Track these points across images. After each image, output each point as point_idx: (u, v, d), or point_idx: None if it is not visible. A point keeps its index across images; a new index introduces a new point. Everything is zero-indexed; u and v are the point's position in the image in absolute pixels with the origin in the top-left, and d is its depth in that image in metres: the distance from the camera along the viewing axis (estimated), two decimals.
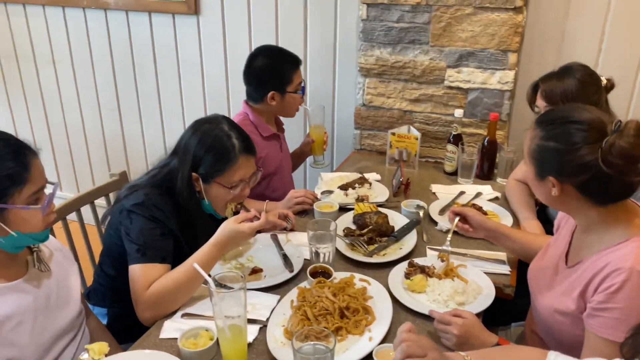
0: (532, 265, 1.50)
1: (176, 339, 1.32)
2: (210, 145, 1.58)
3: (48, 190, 1.26)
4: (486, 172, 2.34)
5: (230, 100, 3.08)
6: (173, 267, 1.52)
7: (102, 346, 1.18)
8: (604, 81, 1.84)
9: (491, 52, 2.32)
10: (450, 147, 2.37)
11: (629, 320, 1.11)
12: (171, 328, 1.40)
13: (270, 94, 2.18)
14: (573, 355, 1.18)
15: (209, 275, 1.18)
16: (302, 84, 2.27)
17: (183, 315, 1.45)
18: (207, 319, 1.40)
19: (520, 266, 1.69)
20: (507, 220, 1.93)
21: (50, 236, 1.42)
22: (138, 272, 1.49)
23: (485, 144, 2.31)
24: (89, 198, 1.99)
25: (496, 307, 1.48)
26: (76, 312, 1.40)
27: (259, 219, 1.53)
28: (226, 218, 1.62)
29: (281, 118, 2.41)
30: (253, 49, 2.32)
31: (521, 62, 2.43)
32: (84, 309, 1.50)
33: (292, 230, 1.88)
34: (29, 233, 1.22)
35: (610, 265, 1.15)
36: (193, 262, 1.41)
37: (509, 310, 1.69)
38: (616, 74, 1.90)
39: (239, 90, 2.47)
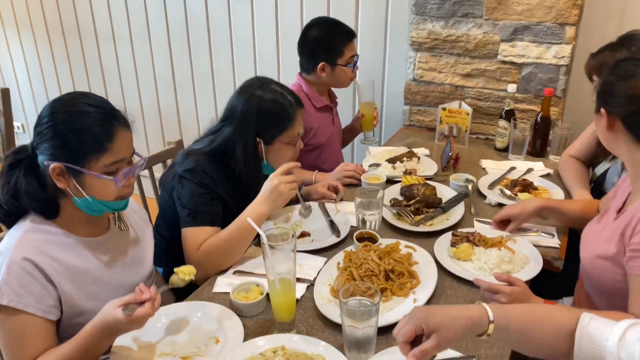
0: (587, 227, 1.50)
1: (228, 293, 1.39)
2: (270, 109, 1.63)
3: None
4: (538, 148, 2.30)
5: (281, 78, 3.13)
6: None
7: (189, 268, 1.24)
8: None
9: (547, 26, 2.25)
10: (502, 122, 2.33)
11: None
12: (223, 283, 1.47)
13: (320, 65, 2.20)
14: (613, 302, 1.25)
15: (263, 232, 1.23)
16: (355, 58, 2.28)
17: (235, 273, 1.52)
18: (257, 276, 1.47)
19: (571, 243, 1.66)
20: (558, 195, 1.90)
21: None
22: (189, 234, 1.57)
23: (538, 120, 2.26)
24: (147, 164, 2.09)
25: (544, 281, 1.47)
26: (149, 272, 1.49)
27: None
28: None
29: (335, 92, 2.44)
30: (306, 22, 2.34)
31: (579, 35, 2.35)
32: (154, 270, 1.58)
33: (341, 200, 1.92)
34: (101, 200, 1.25)
35: None
36: (243, 218, 1.48)
37: (558, 284, 1.67)
38: None
39: (290, 67, 2.51)
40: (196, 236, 1.56)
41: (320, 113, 2.30)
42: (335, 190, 1.92)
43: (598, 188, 1.99)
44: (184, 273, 1.23)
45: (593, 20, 2.34)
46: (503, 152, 2.36)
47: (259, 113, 1.63)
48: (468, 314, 0.94)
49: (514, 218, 1.63)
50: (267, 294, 1.34)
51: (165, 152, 2.17)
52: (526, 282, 1.42)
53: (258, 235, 1.25)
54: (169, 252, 1.77)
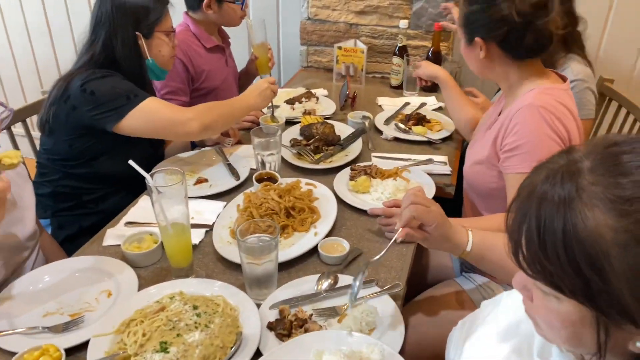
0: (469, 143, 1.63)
1: (119, 245, 1.30)
2: None
3: None
4: (431, 83, 2.35)
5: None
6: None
7: (15, 152, 1.04)
8: None
9: None
10: (395, 59, 2.35)
11: (538, 151, 1.25)
12: (114, 235, 1.38)
13: (206, 1, 2.06)
14: (492, 204, 1.44)
15: (148, 173, 1.14)
16: None
17: (126, 224, 1.42)
18: (150, 226, 1.39)
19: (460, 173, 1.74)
20: (450, 125, 1.97)
21: None
22: (155, 104, 1.52)
23: (430, 55, 2.31)
24: (19, 116, 1.88)
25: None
26: (31, 231, 1.35)
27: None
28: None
29: (227, 31, 2.31)
30: None
31: None
32: (38, 229, 1.44)
33: (238, 143, 1.85)
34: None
35: (515, 108, 1.30)
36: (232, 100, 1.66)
37: (449, 209, 1.75)
38: None
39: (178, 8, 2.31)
40: (164, 102, 1.56)
41: (212, 54, 2.18)
42: (228, 135, 1.85)
43: None
44: (10, 157, 1.07)
45: None
46: (398, 89, 2.40)
47: (131, 5, 1.56)
48: (454, 241, 1.08)
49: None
50: (162, 242, 1.27)
51: (42, 101, 1.95)
52: None
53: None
54: (56, 198, 1.65)
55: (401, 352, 0.98)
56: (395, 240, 1.05)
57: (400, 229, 1.05)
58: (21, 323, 1.10)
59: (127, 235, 1.31)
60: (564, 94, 1.31)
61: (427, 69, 1.89)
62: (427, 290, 1.51)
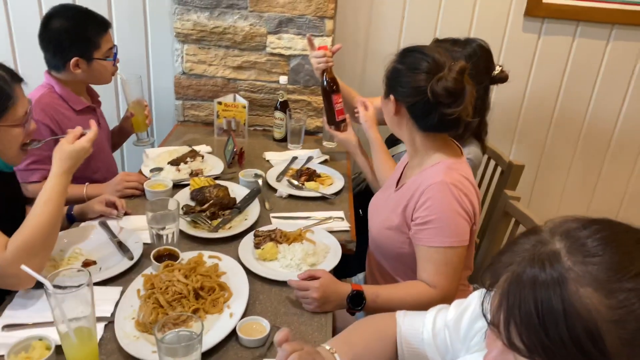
0: (373, 198, 1.69)
1: (2, 357, 1.11)
2: None
3: None
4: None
5: (20, 69, 2.63)
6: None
7: None
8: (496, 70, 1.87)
9: (309, 19, 2.36)
10: (277, 114, 2.38)
11: (450, 226, 1.34)
12: None
13: (73, 61, 1.89)
14: (400, 265, 1.48)
15: (44, 277, 1.00)
16: (115, 49, 2.03)
17: (4, 328, 1.22)
18: (34, 327, 1.20)
19: (358, 226, 1.79)
20: (339, 180, 2.03)
21: None
22: None
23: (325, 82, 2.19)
24: None
25: (343, 262, 1.55)
26: None
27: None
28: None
29: (96, 89, 2.14)
30: (46, 11, 1.99)
31: (337, 28, 2.52)
32: None
33: (125, 215, 1.71)
34: None
35: (425, 182, 1.38)
36: (44, 199, 1.31)
37: (350, 262, 1.80)
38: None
39: (34, 66, 2.09)
40: None
41: (82, 116, 2.00)
42: (115, 206, 1.70)
43: None
44: None
45: (347, 13, 2.54)
46: (282, 142, 2.42)
47: None
48: None
49: None
50: (56, 347, 1.10)
51: None
52: (331, 270, 1.48)
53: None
54: None
55: None
56: None
57: None
58: None
59: (11, 345, 1.12)
60: (466, 167, 1.43)
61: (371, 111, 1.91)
62: None
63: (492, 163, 2.17)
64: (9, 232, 1.29)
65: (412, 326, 1.03)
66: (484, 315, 0.66)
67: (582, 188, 2.94)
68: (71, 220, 1.69)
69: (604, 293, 0.58)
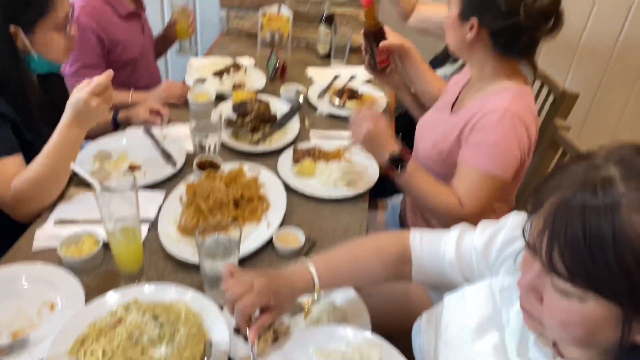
0: (420, 120, 1.63)
1: (54, 249, 1.19)
2: None
3: None
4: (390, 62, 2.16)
5: None
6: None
7: None
8: None
9: None
10: (322, 28, 2.30)
11: (500, 155, 1.30)
12: (45, 237, 1.25)
13: None
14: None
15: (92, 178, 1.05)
16: None
17: (57, 223, 1.30)
18: (85, 224, 1.28)
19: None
20: (381, 101, 1.98)
21: None
22: None
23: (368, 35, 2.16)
24: None
25: (380, 183, 1.56)
26: None
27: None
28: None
29: None
30: None
31: None
32: None
33: (168, 123, 1.74)
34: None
35: (488, 107, 1.32)
36: (52, 150, 1.28)
37: (389, 184, 1.80)
38: None
39: None
40: (2, 171, 1.30)
41: (127, 22, 1.99)
42: (159, 114, 1.72)
43: None
44: None
45: None
46: (326, 58, 2.36)
47: None
48: (297, 286, 0.96)
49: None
50: (104, 243, 1.18)
51: None
52: (367, 190, 1.50)
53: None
54: None
55: None
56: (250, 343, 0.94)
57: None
58: None
59: (63, 238, 1.20)
60: (531, 97, 1.37)
61: (395, 40, 1.67)
62: None
63: (545, 90, 2.07)
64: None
65: (432, 245, 1.03)
66: (524, 237, 0.66)
67: (636, 126, 2.79)
68: (116, 125, 1.74)
69: None
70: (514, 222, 0.93)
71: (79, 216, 1.32)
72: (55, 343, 0.97)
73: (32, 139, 1.41)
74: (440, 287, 1.04)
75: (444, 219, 1.34)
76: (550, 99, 2.01)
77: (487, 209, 1.37)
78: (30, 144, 1.40)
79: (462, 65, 1.91)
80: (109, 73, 1.29)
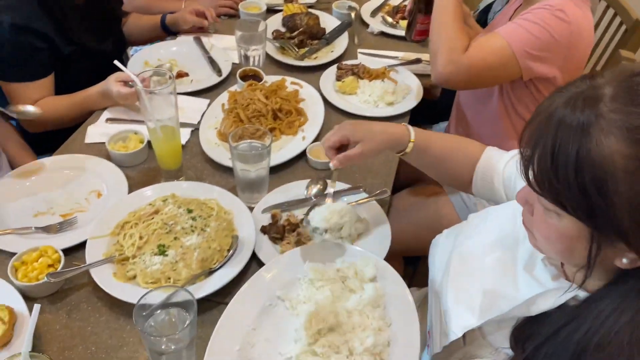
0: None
1: (103, 143, 1.28)
2: None
3: None
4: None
5: None
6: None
7: None
8: None
9: None
10: None
11: (529, 39, 1.20)
12: (96, 133, 1.35)
13: None
14: (483, 120, 1.40)
15: (134, 75, 1.10)
16: None
17: (107, 120, 1.39)
18: (133, 123, 1.36)
19: None
20: None
21: None
22: (12, 90, 1.41)
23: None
24: None
25: (422, 108, 1.53)
26: None
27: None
28: None
29: None
30: None
31: None
32: None
33: (215, 32, 1.75)
34: None
35: (541, 3, 1.23)
36: (77, 102, 1.41)
37: (434, 110, 1.77)
38: None
39: None
40: (26, 93, 1.40)
41: None
42: (205, 17, 1.70)
43: (483, 19, 2.02)
44: None
45: None
46: None
47: None
48: (392, 131, 1.00)
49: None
50: (148, 142, 1.25)
51: None
52: (408, 111, 1.48)
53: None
54: None
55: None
56: (332, 169, 1.00)
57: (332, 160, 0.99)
58: (12, 222, 1.10)
59: (112, 134, 1.28)
60: (589, 12, 1.26)
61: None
62: (406, 189, 1.57)
63: (617, 20, 1.91)
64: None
65: (493, 156, 1.04)
66: (519, 148, 0.66)
67: None
68: (165, 29, 1.76)
69: (628, 142, 0.56)
70: None
71: (128, 117, 1.39)
72: (99, 225, 1.07)
73: (71, 51, 1.45)
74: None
75: (439, 56, 1.27)
76: (622, 30, 1.86)
77: (483, 74, 1.28)
78: (68, 56, 1.45)
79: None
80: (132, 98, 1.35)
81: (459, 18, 1.31)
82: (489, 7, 1.97)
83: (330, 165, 0.99)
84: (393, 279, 0.95)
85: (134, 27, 1.78)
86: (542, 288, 0.74)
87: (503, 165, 1.01)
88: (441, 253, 0.95)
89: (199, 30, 1.73)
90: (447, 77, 1.26)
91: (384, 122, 1.05)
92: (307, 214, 1.11)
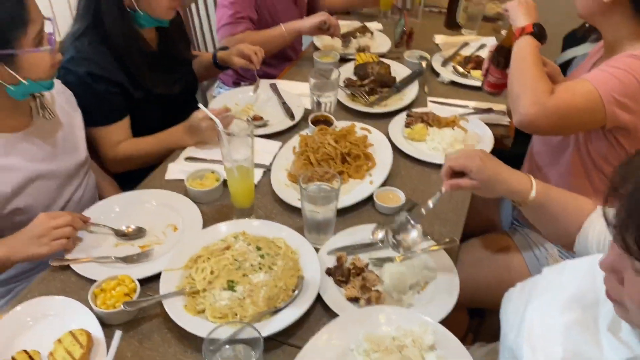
0: None
1: (182, 180, 1.36)
2: None
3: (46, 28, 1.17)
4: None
5: None
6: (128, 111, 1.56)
7: None
8: None
9: None
10: None
11: (617, 85, 1.17)
12: (176, 170, 1.43)
13: None
14: (560, 173, 1.36)
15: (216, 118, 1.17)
16: None
17: (187, 159, 1.47)
18: (210, 162, 1.43)
19: None
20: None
21: None
22: (96, 135, 1.52)
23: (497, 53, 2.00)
24: None
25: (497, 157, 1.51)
26: (83, 159, 1.40)
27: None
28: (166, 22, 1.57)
29: None
30: None
31: None
32: (89, 156, 1.50)
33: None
34: (39, 81, 1.16)
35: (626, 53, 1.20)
36: (160, 140, 1.51)
37: (506, 160, 1.73)
38: None
39: None
40: (105, 136, 1.53)
41: None
42: (249, 59, 1.73)
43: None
44: None
45: None
46: (457, 26, 2.30)
47: None
48: (514, 185, 1.02)
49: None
50: (224, 180, 1.31)
51: None
52: None
53: None
54: None
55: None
56: (442, 193, 1.06)
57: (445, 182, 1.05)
58: (95, 251, 1.18)
59: (190, 172, 1.36)
60: None
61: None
62: (475, 239, 1.53)
63: None
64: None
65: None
66: (605, 217, 0.64)
67: None
68: (217, 65, 1.83)
69: None
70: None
71: (206, 156, 1.47)
72: (174, 258, 1.12)
73: (142, 96, 1.55)
74: None
75: (523, 98, 1.24)
76: None
77: (569, 116, 1.23)
78: (139, 100, 1.55)
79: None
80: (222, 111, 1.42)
81: (539, 63, 1.31)
82: (566, 64, 1.94)
83: (442, 188, 1.05)
84: (454, 346, 0.91)
85: (196, 65, 1.85)
86: (631, 353, 0.69)
87: (596, 228, 0.97)
88: (514, 308, 0.92)
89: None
90: (532, 119, 1.22)
91: (509, 168, 1.04)
92: (410, 209, 1.15)
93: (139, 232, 1.22)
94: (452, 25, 2.09)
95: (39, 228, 1.12)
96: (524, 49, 1.32)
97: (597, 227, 0.98)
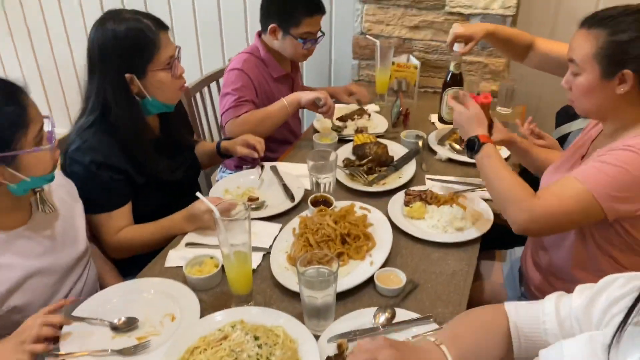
0: (546, 172, 1.53)
1: (181, 267, 1.35)
2: (127, 38, 1.45)
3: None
4: None
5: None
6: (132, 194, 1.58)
7: None
8: None
9: None
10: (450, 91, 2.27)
11: (611, 182, 1.16)
12: (176, 257, 1.43)
13: (272, 27, 2.04)
14: (560, 254, 1.36)
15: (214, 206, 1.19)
16: (318, 35, 2.08)
17: (187, 245, 1.47)
18: (210, 248, 1.43)
19: None
20: (504, 152, 1.92)
21: None
22: (98, 221, 1.54)
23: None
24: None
25: (495, 234, 1.50)
26: (82, 250, 1.40)
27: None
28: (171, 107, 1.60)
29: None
30: None
31: None
32: (89, 245, 1.51)
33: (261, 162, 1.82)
34: (42, 175, 1.20)
35: (621, 144, 1.20)
36: (161, 228, 1.53)
37: (508, 235, 1.72)
38: None
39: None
40: (106, 223, 1.54)
41: (279, 83, 2.16)
42: (254, 148, 1.78)
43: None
44: None
45: None
46: (444, 121, 2.35)
47: (116, 46, 1.45)
48: None
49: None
50: (223, 266, 1.31)
51: None
52: (479, 236, 1.46)
53: None
54: None
55: None
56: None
57: None
58: (92, 344, 1.15)
59: (189, 258, 1.35)
60: None
61: (500, 136, 1.60)
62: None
63: None
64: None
65: (529, 317, 0.97)
66: None
67: None
68: (220, 154, 1.88)
69: None
70: (622, 280, 0.85)
71: (207, 241, 1.48)
72: (170, 350, 1.09)
73: (145, 181, 1.58)
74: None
75: (508, 209, 1.27)
76: None
77: (561, 220, 1.22)
78: (142, 185, 1.58)
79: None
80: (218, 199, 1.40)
81: (507, 167, 1.33)
82: (562, 138, 1.97)
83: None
84: None
85: (199, 153, 1.90)
86: None
87: (552, 315, 0.94)
88: None
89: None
90: (525, 227, 1.24)
91: (423, 349, 0.92)
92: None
93: (131, 323, 1.19)
94: (442, 121, 2.15)
95: (25, 332, 1.08)
96: (488, 162, 1.36)
97: (555, 323, 0.94)
